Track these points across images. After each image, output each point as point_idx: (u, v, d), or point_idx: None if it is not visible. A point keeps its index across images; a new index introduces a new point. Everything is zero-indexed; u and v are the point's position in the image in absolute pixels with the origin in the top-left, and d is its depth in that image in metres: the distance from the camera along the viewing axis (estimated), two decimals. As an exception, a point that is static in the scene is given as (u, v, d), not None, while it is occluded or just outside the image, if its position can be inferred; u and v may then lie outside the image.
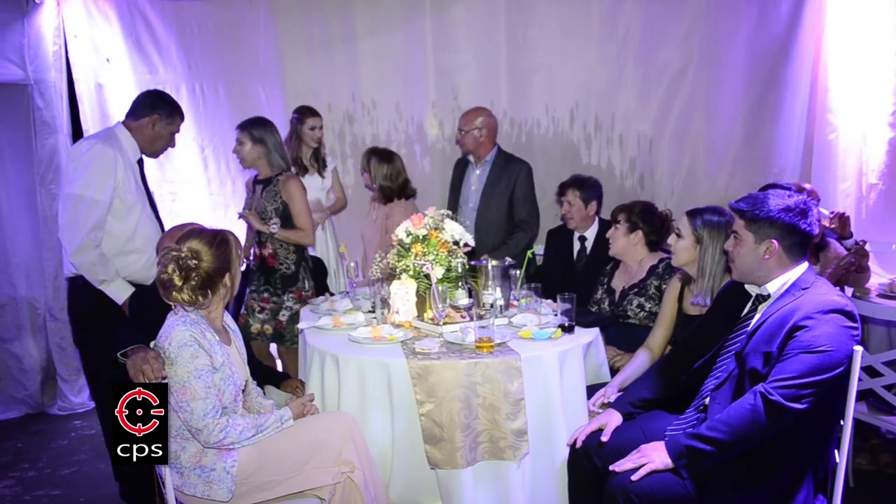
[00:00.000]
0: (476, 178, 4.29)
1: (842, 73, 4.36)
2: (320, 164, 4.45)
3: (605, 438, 2.31)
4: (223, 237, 2.35)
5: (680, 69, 4.70)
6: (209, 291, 2.31)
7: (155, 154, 3.47)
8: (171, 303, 2.30)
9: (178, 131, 3.44)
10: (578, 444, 2.36)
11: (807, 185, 3.81)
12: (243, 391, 2.50)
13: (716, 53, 4.63)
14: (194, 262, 2.25)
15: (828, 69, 4.42)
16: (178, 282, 2.24)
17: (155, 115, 3.32)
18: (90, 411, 4.47)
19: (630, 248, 3.35)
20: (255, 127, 3.71)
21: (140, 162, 3.36)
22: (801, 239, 2.17)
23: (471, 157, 4.32)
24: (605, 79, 4.80)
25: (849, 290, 3.41)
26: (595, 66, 4.78)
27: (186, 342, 2.23)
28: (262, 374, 3.04)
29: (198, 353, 2.24)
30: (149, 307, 2.58)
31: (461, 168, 4.41)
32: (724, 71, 4.66)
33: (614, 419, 2.37)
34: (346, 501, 2.35)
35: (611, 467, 2.15)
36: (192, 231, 2.36)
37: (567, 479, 2.48)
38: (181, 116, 3.44)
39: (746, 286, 2.31)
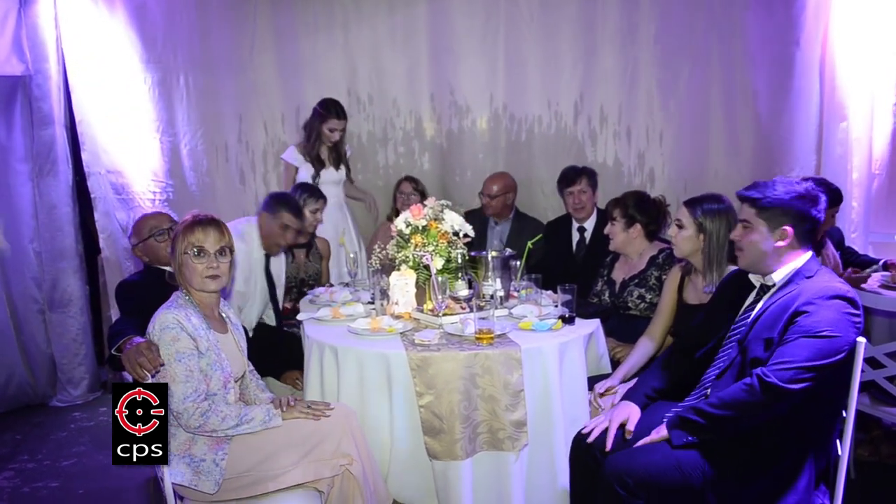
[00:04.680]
0: (497, 234, 4.36)
1: (848, 62, 4.26)
2: (338, 159, 4.37)
3: (631, 427, 2.27)
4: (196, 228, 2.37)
5: (689, 59, 4.49)
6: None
7: (270, 250, 3.48)
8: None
9: (286, 223, 3.40)
10: (591, 439, 2.27)
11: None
12: (241, 382, 2.49)
13: (726, 42, 4.45)
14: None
15: (835, 58, 4.29)
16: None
17: (264, 212, 3.41)
18: (89, 403, 4.48)
19: (630, 242, 3.32)
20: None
21: (268, 256, 3.46)
22: (812, 226, 2.17)
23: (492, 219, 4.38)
24: (610, 68, 4.58)
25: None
26: (600, 55, 4.57)
27: (169, 325, 2.24)
28: (264, 366, 3.03)
29: (179, 336, 2.23)
30: (141, 299, 2.58)
31: (476, 223, 3.81)
32: (736, 60, 4.46)
33: (634, 412, 2.32)
34: (345, 494, 2.33)
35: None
36: (210, 215, 2.42)
37: (566, 471, 2.46)
38: (288, 210, 3.41)
39: (750, 276, 2.28)
